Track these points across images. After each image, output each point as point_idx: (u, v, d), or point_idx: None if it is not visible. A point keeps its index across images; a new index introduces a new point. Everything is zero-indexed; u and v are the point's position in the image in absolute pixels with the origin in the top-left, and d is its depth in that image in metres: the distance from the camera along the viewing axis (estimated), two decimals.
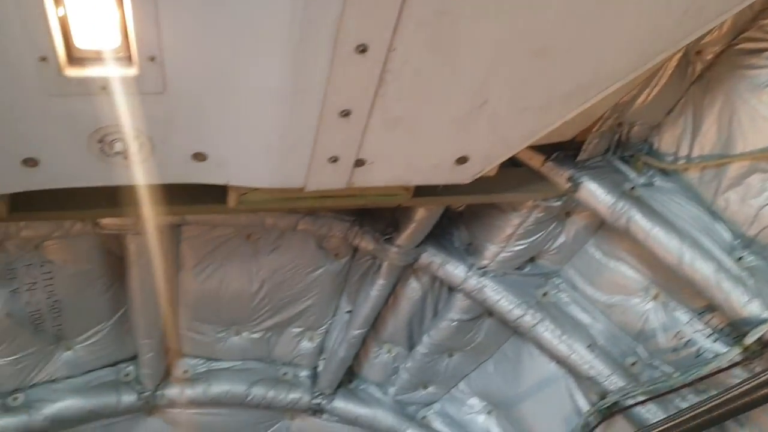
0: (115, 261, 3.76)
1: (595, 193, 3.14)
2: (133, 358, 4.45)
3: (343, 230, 3.72)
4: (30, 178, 2.19)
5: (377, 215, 3.70)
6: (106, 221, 3.24)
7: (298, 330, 4.58)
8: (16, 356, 4.05)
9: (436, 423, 4.84)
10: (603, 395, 3.62)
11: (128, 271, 3.62)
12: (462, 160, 2.50)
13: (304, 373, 4.83)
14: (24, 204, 2.55)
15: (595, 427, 3.67)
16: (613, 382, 3.57)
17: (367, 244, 3.73)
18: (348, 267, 4.16)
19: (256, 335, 4.54)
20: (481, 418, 4.69)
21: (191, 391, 4.57)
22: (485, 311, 4.03)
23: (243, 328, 4.49)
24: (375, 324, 4.35)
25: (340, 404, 4.82)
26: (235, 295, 4.17)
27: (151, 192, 2.48)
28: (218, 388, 4.61)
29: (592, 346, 3.64)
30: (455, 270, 3.77)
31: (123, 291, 3.89)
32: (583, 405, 3.89)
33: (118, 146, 2.12)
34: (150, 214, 2.56)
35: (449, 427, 4.79)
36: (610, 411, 3.58)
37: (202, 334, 4.45)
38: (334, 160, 2.36)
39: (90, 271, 3.76)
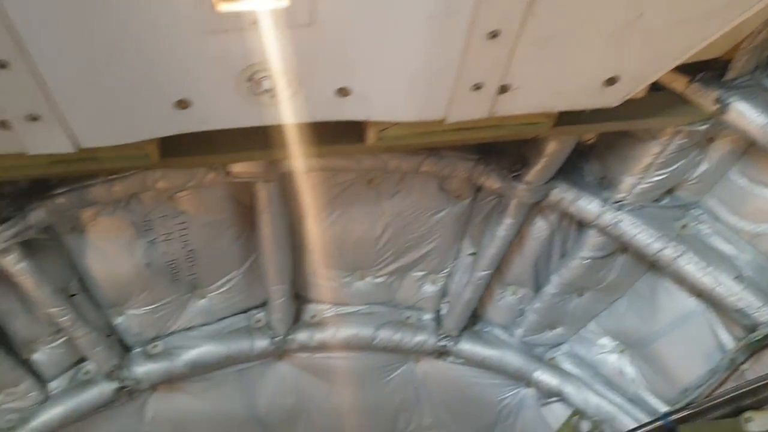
0: (244, 210, 3.84)
1: (745, 113, 2.91)
2: (263, 305, 4.58)
3: (468, 169, 3.63)
4: (182, 121, 2.23)
5: (502, 152, 3.60)
6: (237, 169, 3.29)
7: (420, 274, 4.58)
8: (155, 305, 4.25)
9: (565, 364, 4.75)
10: (752, 328, 3.42)
11: (258, 219, 3.69)
12: (611, 81, 2.37)
13: (427, 317, 4.84)
14: (168, 151, 2.60)
15: (744, 361, 3.50)
16: (764, 313, 3.35)
17: (492, 182, 3.63)
18: (470, 208, 4.08)
19: (379, 280, 4.57)
20: (613, 358, 4.56)
21: (320, 335, 4.66)
22: (619, 247, 3.87)
23: (367, 272, 4.52)
24: (498, 266, 4.28)
25: (466, 346, 4.79)
26: (358, 240, 4.19)
27: (292, 132, 2.49)
28: (346, 331, 4.68)
29: (739, 277, 3.44)
30: (589, 205, 3.61)
31: (252, 239, 3.98)
32: (727, 340, 3.71)
33: (266, 84, 2.11)
34: (291, 155, 2.57)
35: (579, 367, 4.70)
36: (762, 344, 3.40)
37: (328, 279, 4.51)
38: (477, 87, 2.28)
39: (221, 220, 3.86)
